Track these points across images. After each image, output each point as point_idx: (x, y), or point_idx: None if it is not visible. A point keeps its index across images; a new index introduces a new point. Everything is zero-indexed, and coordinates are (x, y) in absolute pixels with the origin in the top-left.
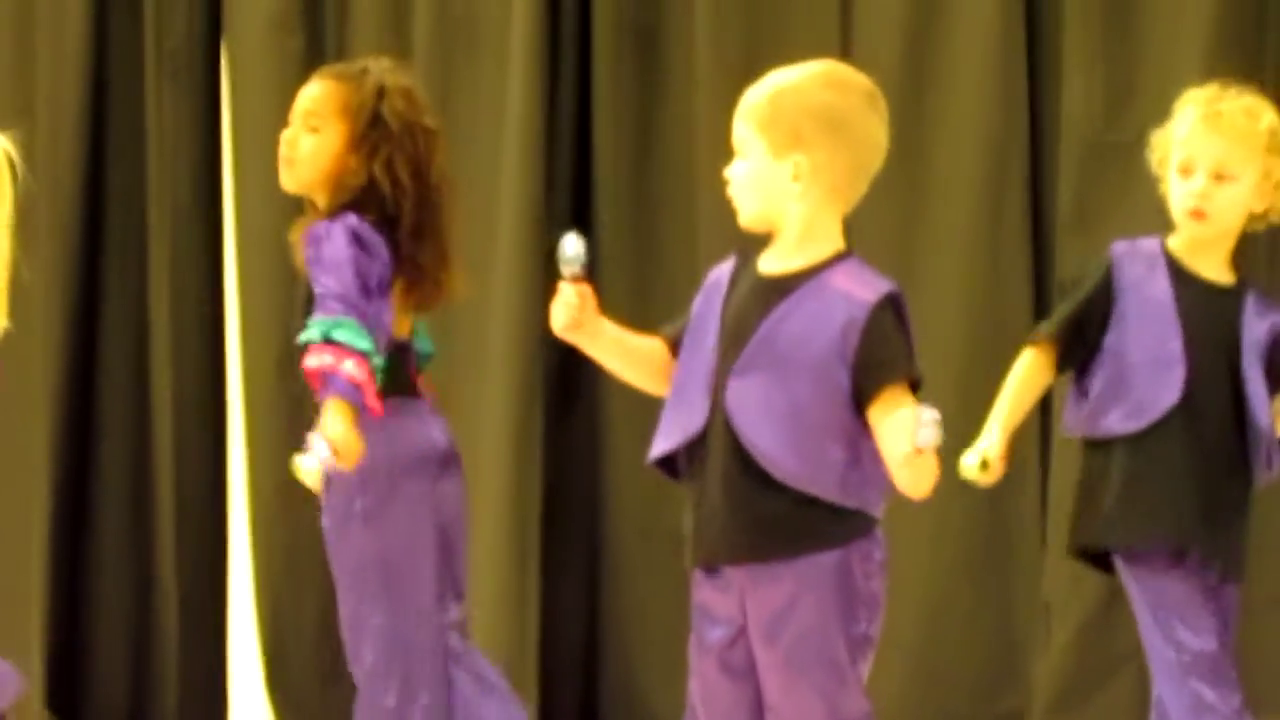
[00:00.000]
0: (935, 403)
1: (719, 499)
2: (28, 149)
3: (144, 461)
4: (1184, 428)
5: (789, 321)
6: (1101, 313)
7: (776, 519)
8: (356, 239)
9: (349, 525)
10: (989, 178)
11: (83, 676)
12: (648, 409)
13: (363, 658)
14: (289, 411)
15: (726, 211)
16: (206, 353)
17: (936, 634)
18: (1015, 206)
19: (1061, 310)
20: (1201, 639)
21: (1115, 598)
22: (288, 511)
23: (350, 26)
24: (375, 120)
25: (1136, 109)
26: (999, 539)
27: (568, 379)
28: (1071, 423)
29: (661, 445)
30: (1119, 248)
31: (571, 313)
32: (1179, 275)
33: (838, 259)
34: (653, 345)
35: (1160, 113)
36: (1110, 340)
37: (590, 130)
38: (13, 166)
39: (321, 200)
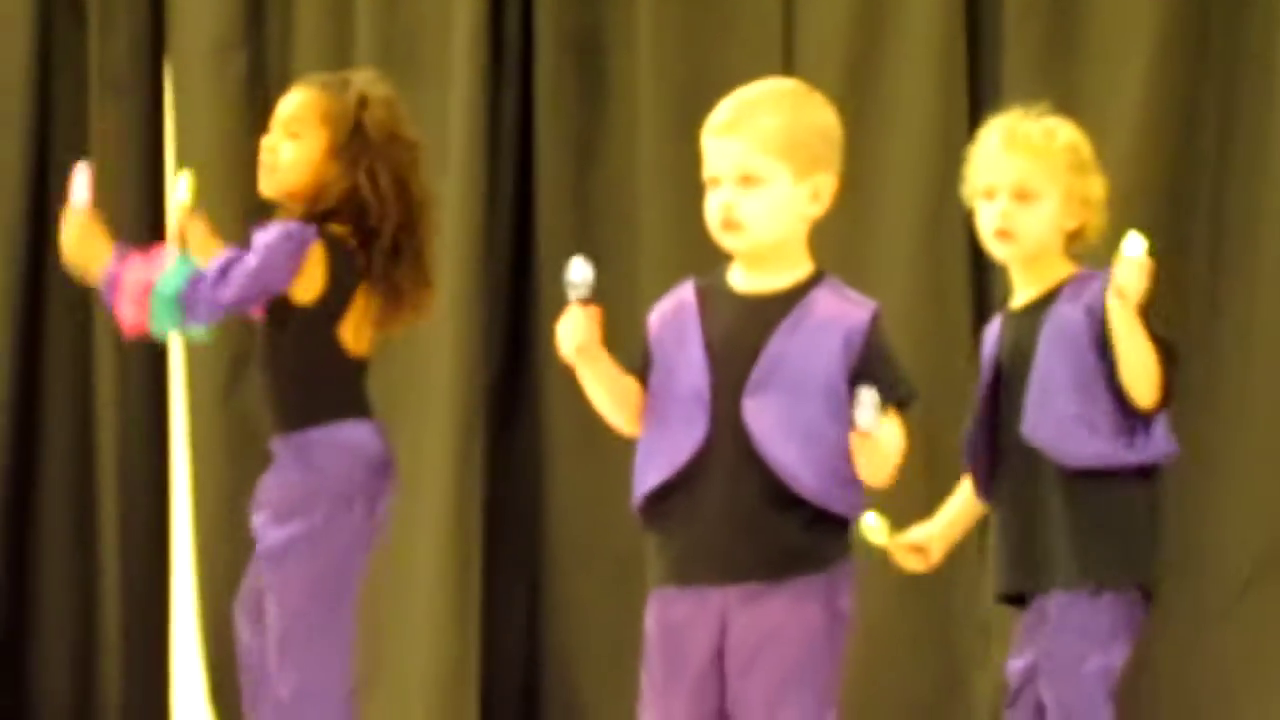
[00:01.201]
0: None
1: (720, 517)
2: None
3: (88, 479)
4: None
5: (794, 341)
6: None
7: (784, 538)
8: (302, 243)
9: (295, 546)
10: (930, 194)
11: (26, 696)
12: (588, 427)
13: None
14: (232, 423)
15: (667, 222)
16: (150, 364)
17: (881, 653)
18: (955, 222)
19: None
20: None
21: None
22: (231, 523)
23: (293, 45)
24: (357, 129)
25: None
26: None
27: (508, 397)
28: None
29: (654, 476)
30: (984, 333)
31: (580, 336)
32: (1005, 320)
33: (819, 277)
34: (632, 383)
35: (1099, 134)
36: None
37: (532, 142)
38: None
39: (299, 208)
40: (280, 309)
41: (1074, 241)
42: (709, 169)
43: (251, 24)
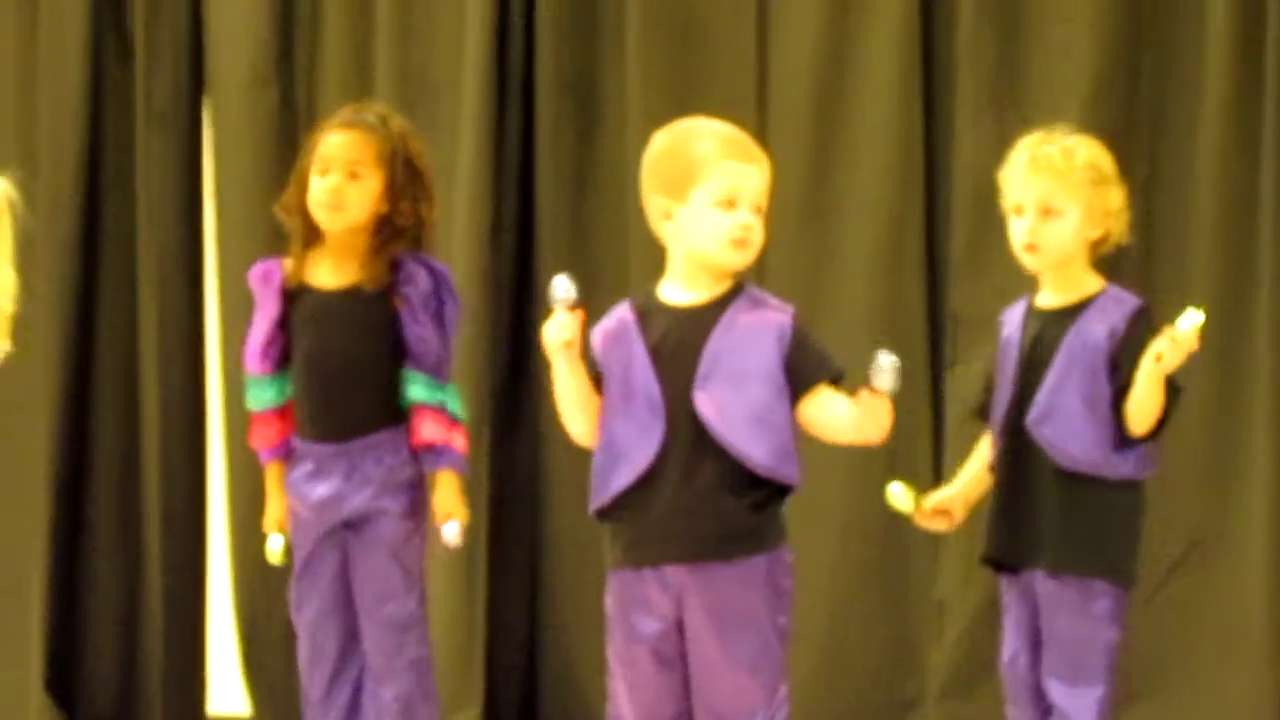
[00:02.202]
0: None
1: (676, 503)
2: (29, 191)
3: (133, 473)
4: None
5: (729, 339)
6: (992, 373)
7: (735, 520)
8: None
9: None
10: (890, 218)
11: (78, 666)
12: None
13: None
14: None
15: (654, 242)
16: (189, 375)
17: (842, 630)
18: (914, 244)
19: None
20: None
21: (998, 599)
22: (262, 508)
23: (319, 83)
24: (407, 165)
25: None
26: (897, 546)
27: (510, 405)
28: None
29: (620, 481)
30: (1003, 314)
31: (564, 333)
32: (1030, 313)
33: (741, 288)
34: (598, 399)
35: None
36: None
37: (533, 173)
38: (13, 206)
39: (361, 240)
40: (388, 325)
41: (1099, 247)
42: (740, 191)
43: (281, 62)
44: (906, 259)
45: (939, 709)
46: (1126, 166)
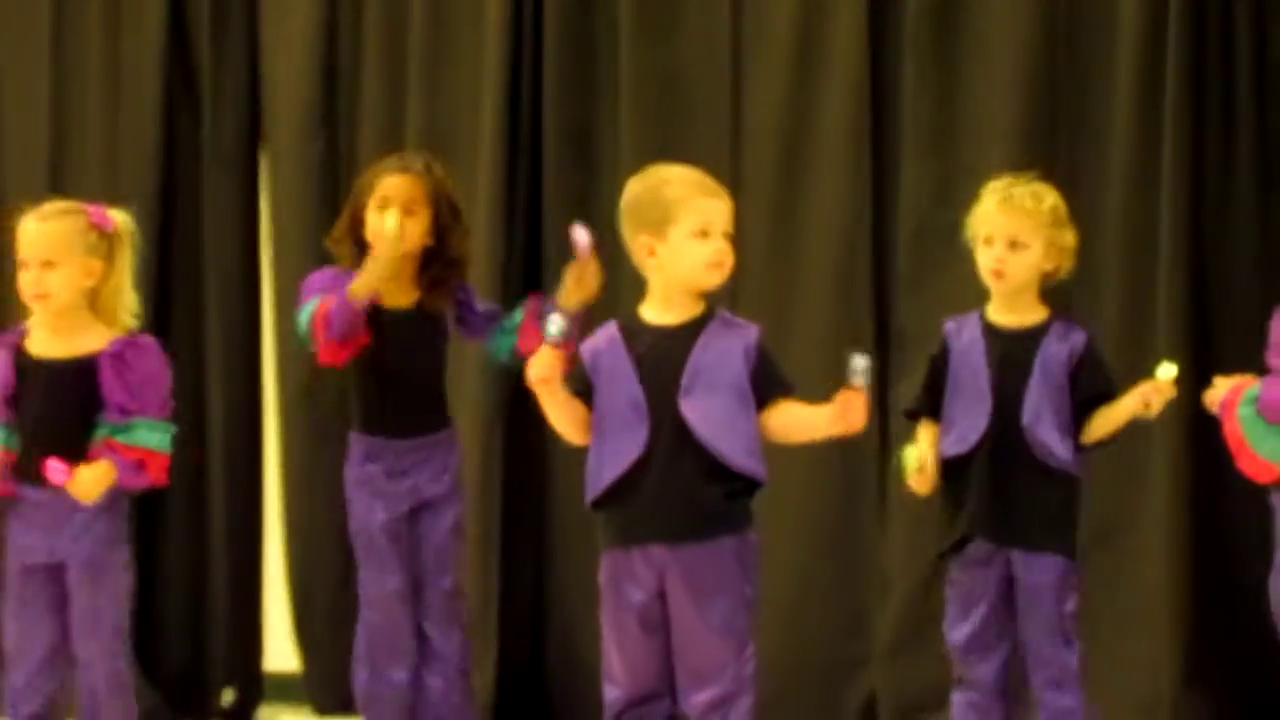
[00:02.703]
0: None
1: (661, 492)
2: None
3: (201, 464)
4: (992, 444)
5: (707, 355)
6: (941, 374)
7: (711, 506)
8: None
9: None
10: (844, 246)
11: (153, 630)
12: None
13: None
14: (312, 426)
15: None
16: (248, 381)
17: (801, 598)
18: (863, 271)
19: (918, 386)
20: None
21: (935, 573)
22: (311, 494)
23: (359, 133)
24: (450, 205)
25: (957, 195)
26: (849, 527)
27: (522, 404)
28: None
29: (609, 475)
30: (950, 324)
31: (542, 371)
32: (988, 329)
33: (713, 311)
34: (579, 406)
35: (974, 202)
36: (947, 392)
37: (540, 211)
38: (133, 237)
39: (409, 267)
40: (444, 339)
41: (1049, 279)
42: (712, 222)
43: (327, 116)
44: (858, 281)
45: (883, 666)
46: None
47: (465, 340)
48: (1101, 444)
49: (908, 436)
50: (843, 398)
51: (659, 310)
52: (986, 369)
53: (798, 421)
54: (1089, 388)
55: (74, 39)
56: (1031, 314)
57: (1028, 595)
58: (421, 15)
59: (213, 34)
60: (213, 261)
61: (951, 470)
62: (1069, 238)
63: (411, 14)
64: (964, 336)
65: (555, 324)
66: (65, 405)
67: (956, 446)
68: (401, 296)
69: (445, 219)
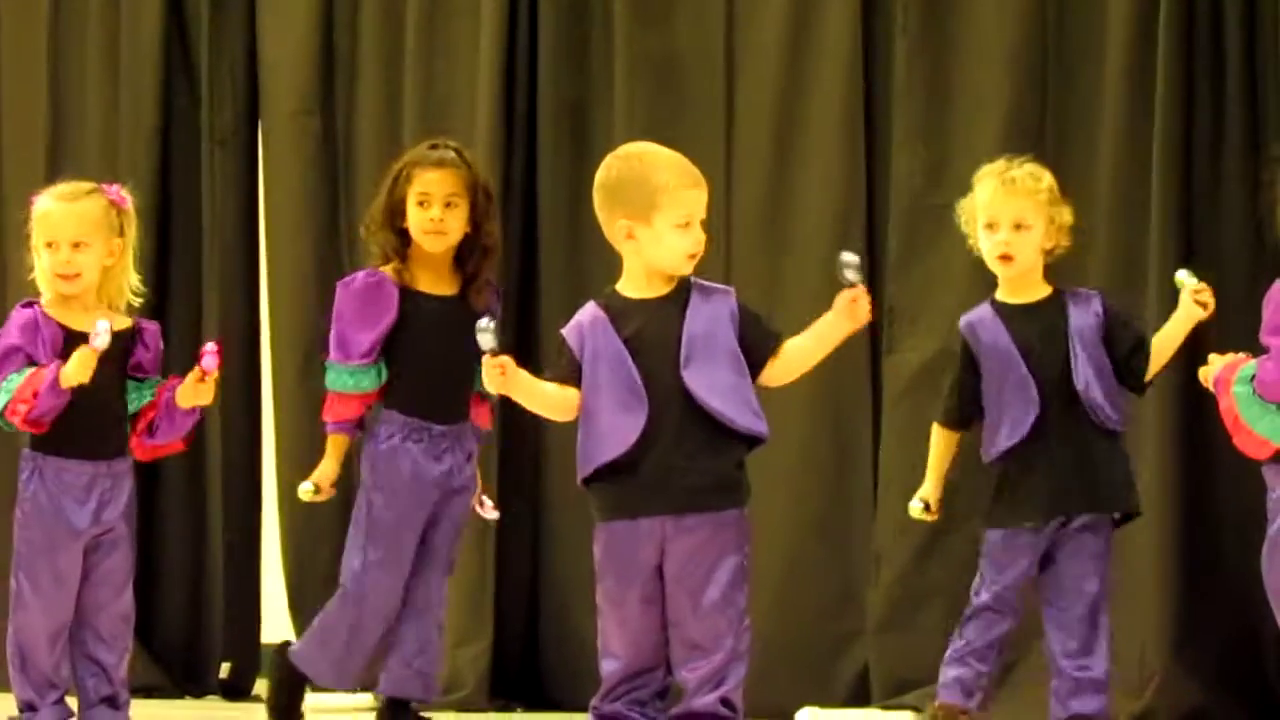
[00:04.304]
0: (791, 395)
1: (666, 466)
2: None
3: (198, 439)
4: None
5: (697, 323)
6: (974, 376)
7: (723, 478)
8: None
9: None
10: (837, 226)
11: (153, 603)
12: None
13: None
14: (309, 399)
15: None
16: (246, 356)
17: (796, 574)
18: (856, 247)
19: (947, 394)
20: None
21: (926, 549)
22: (307, 472)
23: (355, 113)
24: (485, 193)
25: (947, 179)
26: (842, 505)
27: None
28: (986, 454)
29: (608, 453)
30: (963, 323)
31: (496, 380)
32: (1005, 314)
33: (688, 280)
34: (563, 391)
35: (965, 183)
36: (985, 388)
37: (536, 187)
38: (136, 213)
39: (447, 258)
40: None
41: (1048, 256)
42: (695, 213)
43: (323, 96)
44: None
45: (875, 640)
46: None
47: None
48: (1162, 372)
49: (898, 414)
50: (843, 297)
51: (638, 287)
52: (1019, 354)
53: (806, 348)
54: (1127, 338)
55: (74, 19)
56: (1039, 290)
57: (1078, 570)
58: None
59: (211, 14)
60: (211, 239)
61: (1010, 457)
62: (1066, 215)
63: None
64: (984, 329)
65: (486, 338)
66: (108, 379)
67: (1008, 439)
68: (442, 285)
69: (481, 207)
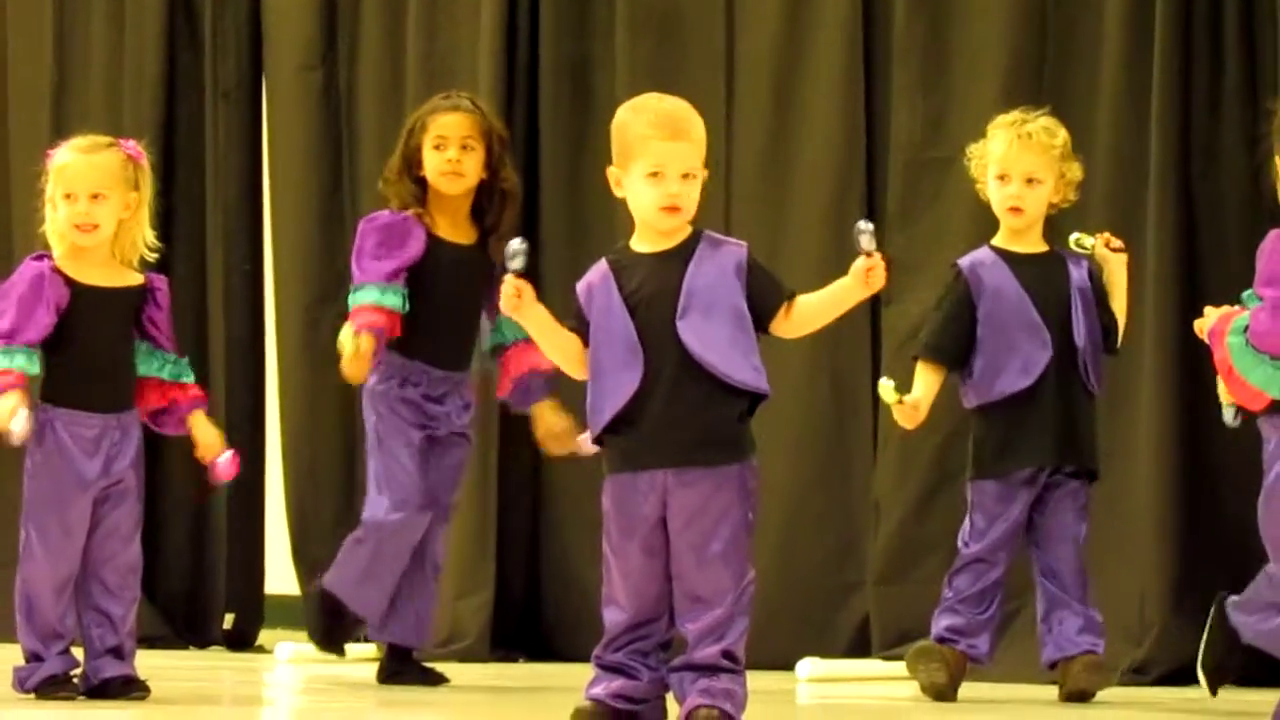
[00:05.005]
0: (791, 347)
1: (665, 420)
2: None
3: (202, 386)
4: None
5: (700, 275)
6: (970, 317)
7: (717, 432)
8: None
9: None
10: (837, 179)
11: (154, 554)
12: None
13: None
14: (313, 351)
15: None
16: (249, 305)
17: (798, 526)
18: (855, 204)
19: (937, 331)
20: None
21: (925, 501)
22: (311, 430)
23: (358, 68)
24: (499, 139)
25: (947, 133)
26: (841, 457)
27: None
28: (969, 398)
29: (610, 410)
30: (963, 262)
31: (510, 300)
32: (1010, 260)
33: (699, 233)
34: (571, 337)
35: (965, 136)
36: (982, 330)
37: (537, 144)
38: (151, 168)
39: (466, 202)
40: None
41: (1052, 209)
42: (667, 165)
43: (327, 50)
44: (849, 212)
45: (875, 591)
46: None
47: None
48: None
49: (898, 364)
50: (860, 265)
51: (648, 240)
52: (1029, 299)
53: (820, 307)
54: (1104, 301)
55: None
56: (1039, 244)
57: (1070, 518)
58: None
59: None
60: (215, 192)
61: (1011, 403)
62: (1077, 170)
63: None
64: (987, 272)
65: (519, 259)
66: (119, 333)
67: (1020, 380)
68: (459, 233)
69: (497, 153)
